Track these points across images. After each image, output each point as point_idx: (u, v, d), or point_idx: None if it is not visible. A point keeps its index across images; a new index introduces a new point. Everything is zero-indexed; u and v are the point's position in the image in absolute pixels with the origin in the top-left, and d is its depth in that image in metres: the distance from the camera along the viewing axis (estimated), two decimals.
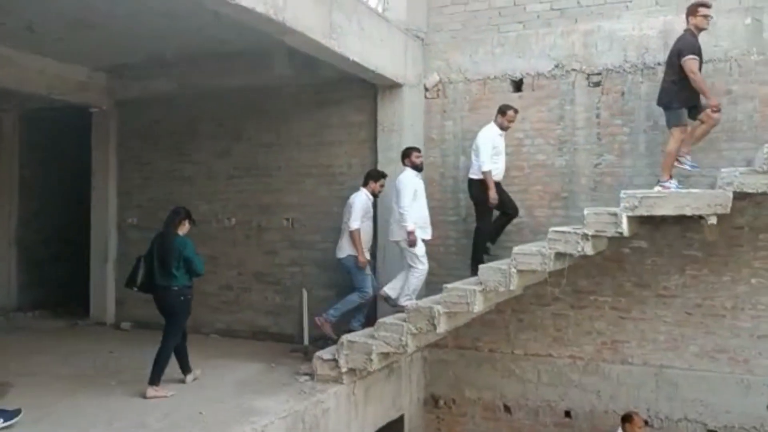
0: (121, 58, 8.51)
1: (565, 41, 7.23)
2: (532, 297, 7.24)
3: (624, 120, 7.00)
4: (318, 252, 7.99)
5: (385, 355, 6.11)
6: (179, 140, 8.93)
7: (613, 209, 5.71)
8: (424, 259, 6.84)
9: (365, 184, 7.14)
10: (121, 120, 9.45)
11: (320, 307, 7.97)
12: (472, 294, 5.85)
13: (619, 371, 6.95)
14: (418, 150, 7.07)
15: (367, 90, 7.74)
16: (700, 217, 5.96)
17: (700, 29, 6.01)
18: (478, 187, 6.89)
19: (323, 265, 7.99)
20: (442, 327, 5.91)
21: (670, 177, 6.06)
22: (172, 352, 5.86)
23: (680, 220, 6.34)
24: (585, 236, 5.70)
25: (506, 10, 7.52)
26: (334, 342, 6.30)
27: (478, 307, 5.88)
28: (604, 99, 7.08)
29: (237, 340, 8.23)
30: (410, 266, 6.80)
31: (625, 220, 5.63)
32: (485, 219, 6.97)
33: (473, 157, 6.95)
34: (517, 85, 7.49)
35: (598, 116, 7.10)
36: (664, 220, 6.47)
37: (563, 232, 5.79)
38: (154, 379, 5.67)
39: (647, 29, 6.87)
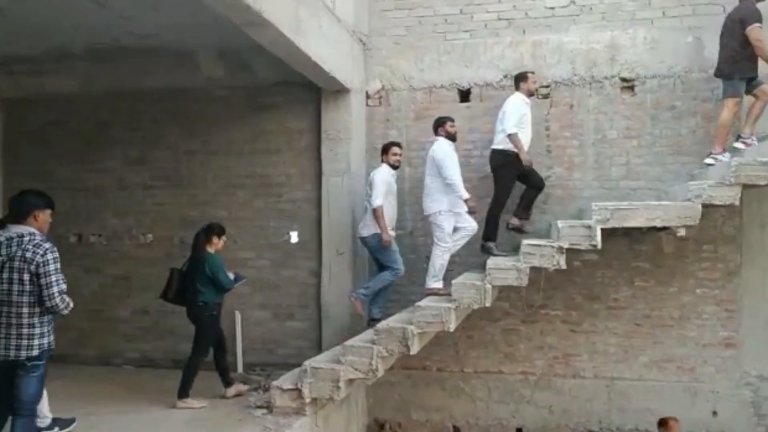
0: (11, 50, 7.36)
1: (514, 52, 7.14)
2: (482, 313, 6.94)
3: (573, 133, 7.02)
4: (252, 270, 7.29)
5: (350, 381, 5.62)
6: (84, 146, 7.84)
7: (587, 222, 5.63)
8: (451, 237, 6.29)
9: (381, 159, 6.54)
10: (6, 121, 8.20)
11: (256, 331, 7.36)
12: (447, 312, 5.53)
13: (571, 385, 6.92)
14: (452, 119, 6.51)
15: (309, 95, 7.23)
16: (660, 228, 6.11)
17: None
18: (500, 157, 6.49)
19: (259, 284, 7.33)
20: (416, 348, 5.53)
21: (724, 150, 6.02)
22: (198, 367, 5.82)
23: (629, 232, 6.39)
24: (560, 249, 5.57)
25: (453, 18, 7.33)
26: (376, 321, 6.05)
27: (453, 325, 5.56)
28: (553, 111, 7.06)
29: (157, 370, 7.32)
30: (436, 243, 6.25)
31: (598, 233, 5.57)
32: (504, 193, 6.53)
33: (498, 127, 6.54)
34: (465, 95, 7.30)
35: (547, 129, 7.07)
36: (613, 232, 6.49)
37: (538, 245, 5.62)
38: (182, 392, 5.72)
39: (594, 43, 6.94)
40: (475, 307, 5.63)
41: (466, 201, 6.12)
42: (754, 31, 5.76)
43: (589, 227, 5.58)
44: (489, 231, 6.50)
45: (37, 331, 4.08)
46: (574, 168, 7.01)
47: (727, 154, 5.97)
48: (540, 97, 7.08)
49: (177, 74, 7.46)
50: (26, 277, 4.03)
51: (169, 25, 6.39)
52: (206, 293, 5.77)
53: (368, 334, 6.08)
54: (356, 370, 5.49)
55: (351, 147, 7.04)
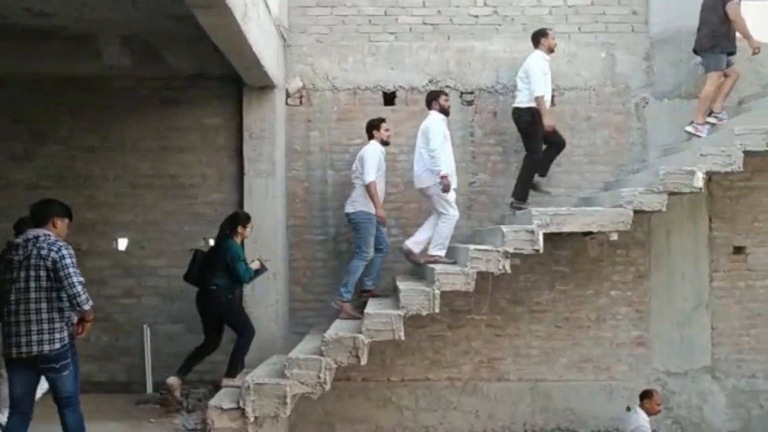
0: None
1: (440, 57, 7.13)
2: (409, 319, 6.88)
3: (497, 140, 7.13)
4: (162, 279, 6.67)
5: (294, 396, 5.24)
6: None
7: (530, 227, 5.68)
8: (455, 206, 6.20)
9: (371, 136, 6.36)
10: None
11: (167, 346, 6.68)
12: (397, 319, 5.34)
13: (496, 389, 6.97)
14: (446, 93, 6.46)
15: (227, 90, 6.75)
16: (585, 234, 6.35)
17: None
18: (528, 115, 6.41)
19: (169, 294, 6.71)
20: (365, 358, 5.27)
21: (706, 122, 6.36)
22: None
23: (549, 237, 6.57)
24: (506, 254, 5.58)
25: (377, 19, 7.18)
26: (369, 292, 6.30)
27: (403, 333, 5.38)
28: (477, 118, 7.13)
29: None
30: (441, 213, 6.15)
31: (541, 237, 5.65)
32: (536, 149, 6.49)
33: (520, 85, 6.48)
34: (390, 98, 7.17)
35: (472, 134, 7.13)
36: None
37: (485, 250, 5.60)
38: (230, 371, 5.83)
39: (517, 53, 7.08)
40: (424, 313, 5.48)
41: (441, 178, 5.95)
42: (733, 8, 6.18)
43: (532, 232, 5.65)
44: (523, 190, 6.51)
45: (57, 325, 4.21)
46: (497, 174, 7.11)
47: (708, 127, 6.39)
48: (465, 103, 7.13)
49: (72, 60, 6.63)
50: (43, 273, 4.16)
51: (68, 2, 5.66)
52: (221, 280, 5.80)
53: (309, 344, 5.74)
54: (303, 384, 5.13)
55: (275, 147, 6.63)
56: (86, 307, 4.21)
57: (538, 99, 6.37)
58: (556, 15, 7.18)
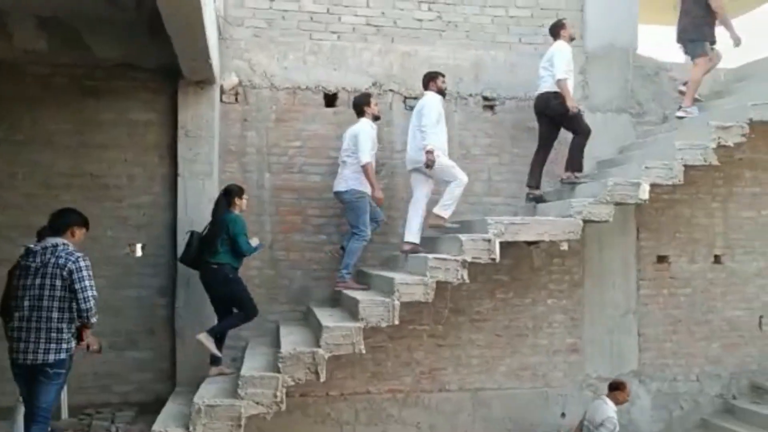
0: None
1: (383, 60, 6.94)
2: None
3: None
4: None
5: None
6: None
7: (486, 236, 5.61)
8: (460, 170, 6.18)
9: (362, 113, 6.24)
10: None
11: (86, 364, 5.99)
12: (357, 332, 5.08)
13: (437, 400, 6.85)
14: (443, 75, 6.42)
15: (159, 82, 6.19)
16: (530, 243, 6.39)
17: None
18: (556, 98, 6.47)
19: None
20: (324, 374, 4.96)
21: (693, 104, 6.76)
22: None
23: None
24: (464, 263, 5.48)
25: (319, 17, 6.87)
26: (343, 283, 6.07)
27: (363, 346, 5.12)
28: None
29: None
30: (449, 181, 6.10)
31: (497, 246, 5.60)
32: (580, 124, 6.56)
33: (544, 73, 6.55)
34: (331, 99, 6.88)
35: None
36: None
37: (444, 259, 5.46)
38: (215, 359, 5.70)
39: (461, 60, 7.06)
40: (383, 325, 5.26)
41: (427, 153, 5.91)
42: (717, 1, 6.61)
43: (489, 241, 5.58)
44: (576, 162, 6.58)
45: (65, 336, 4.29)
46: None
47: (696, 109, 6.74)
48: (408, 108, 6.96)
49: None
50: (58, 282, 4.24)
51: None
52: (223, 255, 5.59)
53: (254, 361, 5.33)
54: (259, 404, 4.77)
55: (212, 147, 6.16)
56: (94, 320, 4.34)
57: (561, 82, 6.41)
58: (499, 24, 7.21)
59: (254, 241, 5.80)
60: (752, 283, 7.56)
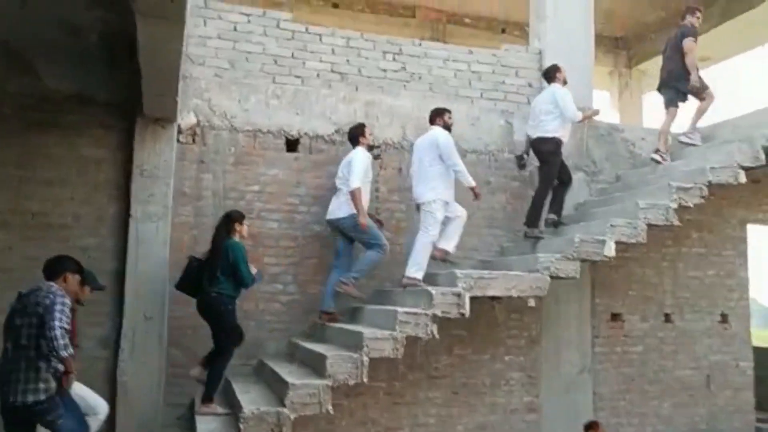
0: None
1: (347, 107, 6.82)
2: None
3: (401, 197, 6.90)
4: None
5: None
6: None
7: (456, 289, 5.47)
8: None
9: (357, 142, 6.30)
10: None
11: None
12: (325, 391, 4.76)
13: None
14: (449, 111, 6.56)
15: (114, 118, 5.81)
16: (492, 298, 6.28)
17: (695, 27, 7.22)
18: (552, 144, 6.66)
19: None
20: None
21: (667, 150, 7.12)
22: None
23: None
24: (434, 317, 5.29)
25: (283, 60, 6.72)
26: (329, 315, 6.12)
27: (331, 405, 4.80)
28: (383, 173, 6.88)
29: None
30: (423, 231, 6.15)
31: (467, 301, 5.45)
32: (552, 177, 6.73)
33: (543, 116, 6.70)
34: (293, 144, 6.67)
35: (377, 190, 6.83)
36: None
37: (414, 313, 5.25)
38: (206, 397, 5.26)
39: (425, 111, 6.96)
40: (351, 383, 4.97)
41: (472, 189, 6.19)
42: (687, 43, 7.01)
43: (458, 295, 5.43)
44: (534, 217, 6.68)
45: (42, 375, 4.19)
46: (401, 233, 6.86)
47: (668, 154, 7.13)
48: (373, 157, 6.85)
49: None
50: (35, 320, 4.18)
51: None
52: (224, 284, 5.36)
53: (209, 423, 4.89)
54: None
55: (170, 188, 5.81)
56: (63, 354, 4.07)
57: (580, 118, 6.76)
58: (461, 78, 7.26)
59: (253, 270, 5.54)
60: (700, 342, 7.70)
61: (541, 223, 6.76)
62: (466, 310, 5.43)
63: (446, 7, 11.58)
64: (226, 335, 5.40)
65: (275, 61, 6.70)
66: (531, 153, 7.06)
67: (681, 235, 7.69)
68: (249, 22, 6.64)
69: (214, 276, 5.35)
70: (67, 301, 4.25)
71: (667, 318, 7.63)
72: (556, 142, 6.69)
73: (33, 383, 4.14)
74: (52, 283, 4.34)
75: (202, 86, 6.42)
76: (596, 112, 7.09)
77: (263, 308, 6.40)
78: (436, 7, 11.59)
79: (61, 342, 4.05)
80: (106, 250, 5.73)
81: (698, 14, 7.42)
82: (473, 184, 6.23)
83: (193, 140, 6.36)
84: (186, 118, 6.30)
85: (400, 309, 5.28)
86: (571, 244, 5.88)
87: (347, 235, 6.26)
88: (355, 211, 6.02)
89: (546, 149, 6.72)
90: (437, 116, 6.48)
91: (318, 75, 6.81)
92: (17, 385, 4.13)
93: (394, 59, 7.06)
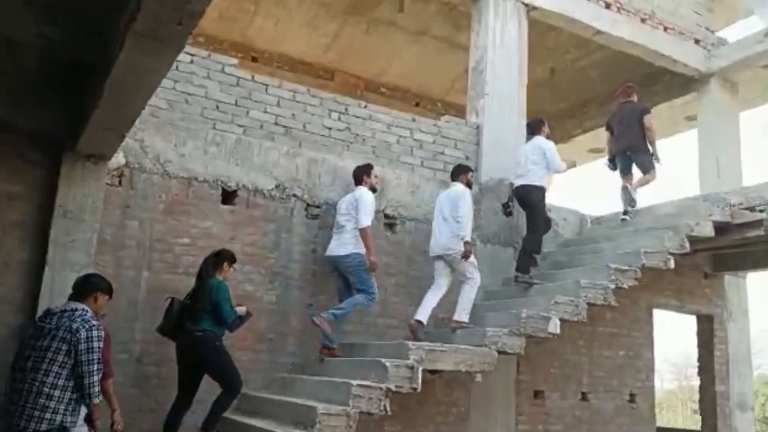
0: None
1: (290, 163, 6.49)
2: None
3: None
4: None
5: None
6: None
7: (409, 362, 5.18)
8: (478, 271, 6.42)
9: (361, 182, 6.33)
10: None
11: None
12: None
13: None
14: (473, 170, 7.00)
15: (35, 151, 5.07)
16: (432, 372, 6.04)
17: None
18: (539, 193, 6.91)
19: None
20: None
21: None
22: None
23: None
24: (388, 392, 4.96)
25: (226, 107, 6.32)
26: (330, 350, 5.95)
27: None
28: (321, 234, 6.55)
29: None
30: (467, 278, 6.31)
31: (419, 374, 5.18)
32: (540, 224, 6.98)
33: (530, 166, 6.92)
34: (230, 196, 6.20)
35: (314, 251, 6.48)
36: None
37: (368, 386, 4.89)
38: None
39: None
40: None
41: (465, 243, 6.17)
42: (648, 120, 7.69)
43: (412, 368, 5.15)
44: (526, 264, 6.81)
45: (53, 405, 3.92)
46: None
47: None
48: (310, 217, 6.53)
49: None
50: (64, 347, 3.97)
51: None
52: (206, 322, 5.21)
53: None
54: None
55: (95, 234, 5.12)
56: (95, 401, 4.01)
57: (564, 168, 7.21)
58: (404, 145, 7.20)
59: (241, 310, 5.39)
60: (612, 421, 7.87)
61: (533, 270, 6.94)
62: (419, 384, 5.15)
63: (365, 75, 11.71)
64: (225, 377, 5.23)
65: (217, 107, 6.29)
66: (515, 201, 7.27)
67: (597, 314, 7.90)
68: (192, 62, 6.22)
69: (198, 315, 5.22)
70: (102, 334, 4.08)
71: (584, 396, 7.76)
72: (543, 191, 6.96)
73: (39, 411, 3.88)
74: (85, 307, 4.16)
75: (136, 124, 5.80)
76: (574, 164, 7.49)
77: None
78: (355, 73, 11.70)
79: (96, 389, 3.98)
80: (10, 302, 4.86)
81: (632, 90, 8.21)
82: (468, 238, 6.29)
83: (120, 182, 5.75)
84: (114, 158, 5.67)
85: (354, 382, 4.91)
86: (518, 318, 5.83)
87: (344, 275, 6.16)
88: (357, 251, 6.03)
89: (535, 198, 6.94)
90: (461, 174, 6.71)
91: (261, 126, 6.47)
92: (25, 409, 3.89)
93: (339, 119, 6.87)
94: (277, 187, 6.40)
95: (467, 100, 8.09)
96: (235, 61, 6.51)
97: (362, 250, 6.06)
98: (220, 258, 5.49)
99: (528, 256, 6.90)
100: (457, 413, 6.89)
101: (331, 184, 6.66)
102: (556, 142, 7.66)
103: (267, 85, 6.57)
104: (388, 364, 5.05)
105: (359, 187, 6.31)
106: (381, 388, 4.92)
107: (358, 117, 6.97)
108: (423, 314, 6.24)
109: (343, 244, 6.12)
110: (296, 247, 6.38)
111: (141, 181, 5.84)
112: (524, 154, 7.08)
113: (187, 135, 6.07)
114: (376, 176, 6.46)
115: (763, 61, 9.36)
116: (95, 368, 3.97)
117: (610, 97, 10.39)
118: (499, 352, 5.71)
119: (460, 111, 9.37)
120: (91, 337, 3.98)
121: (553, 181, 7.27)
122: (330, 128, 6.81)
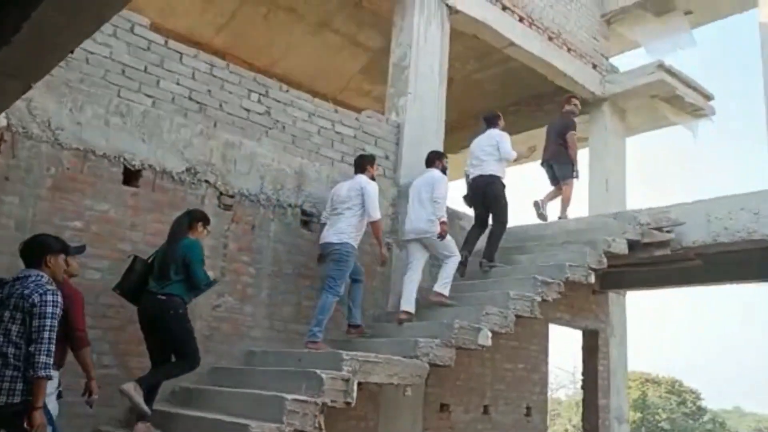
0: None
1: (203, 145, 5.73)
2: None
3: (251, 259, 5.92)
4: None
5: None
6: None
7: (345, 374, 4.66)
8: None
9: (363, 170, 6.16)
10: None
11: None
12: None
13: None
14: (447, 156, 6.87)
15: None
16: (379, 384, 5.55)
17: (575, 113, 8.39)
18: (500, 183, 6.89)
19: None
20: None
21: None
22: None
23: None
24: (323, 407, 4.41)
25: (133, 73, 5.44)
26: (356, 327, 6.01)
27: None
28: (233, 228, 5.84)
29: None
30: (446, 256, 6.33)
31: (355, 387, 4.68)
32: (506, 214, 6.92)
33: (485, 156, 6.94)
34: (133, 177, 5.34)
35: (225, 246, 5.77)
36: None
37: (304, 401, 4.31)
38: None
39: (285, 165, 6.24)
40: None
41: (442, 224, 6.13)
42: (571, 138, 8.01)
43: (347, 381, 4.64)
44: (492, 253, 6.84)
45: (21, 375, 3.59)
46: (246, 300, 5.83)
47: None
48: (222, 207, 5.81)
49: None
50: (18, 315, 3.65)
51: None
52: (175, 285, 4.78)
53: None
54: None
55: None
56: (40, 374, 3.52)
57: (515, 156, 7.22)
58: (324, 137, 6.66)
59: (210, 275, 4.99)
60: None
61: (497, 256, 6.95)
62: (353, 398, 4.65)
63: (258, 63, 10.93)
64: (184, 350, 4.79)
65: (123, 72, 5.39)
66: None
67: None
68: None
69: (165, 276, 4.79)
70: (59, 299, 3.70)
71: (485, 410, 7.62)
72: (502, 183, 6.95)
73: (9, 382, 3.57)
74: (39, 272, 3.78)
75: None
76: (534, 148, 7.80)
77: (64, 385, 4.77)
78: (247, 60, 10.89)
79: (43, 359, 3.54)
80: None
81: (574, 101, 8.46)
82: (445, 219, 6.24)
83: None
84: None
85: (288, 396, 4.30)
86: (449, 329, 5.51)
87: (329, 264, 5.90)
88: (349, 241, 5.80)
89: (495, 190, 6.90)
90: (436, 159, 6.63)
91: (173, 100, 5.64)
92: (1, 384, 3.56)
93: (259, 101, 6.19)
94: (187, 170, 5.61)
95: (387, 98, 7.70)
96: (146, 21, 5.62)
97: (355, 243, 5.87)
98: (193, 217, 5.07)
99: (493, 246, 6.92)
100: (365, 427, 6.44)
101: (247, 173, 5.97)
102: (446, 152, 7.53)
103: (182, 54, 5.77)
104: (324, 376, 4.50)
105: (360, 175, 6.13)
106: (317, 404, 4.36)
107: (279, 101, 6.33)
108: (409, 304, 6.15)
109: (338, 233, 5.84)
110: (206, 241, 5.57)
111: (25, 148, 4.84)
112: (479, 146, 7.12)
113: (86, 100, 5.14)
114: (377, 168, 6.43)
115: (652, 91, 9.88)
116: (45, 336, 3.59)
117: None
118: (431, 365, 5.35)
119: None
120: (45, 301, 3.64)
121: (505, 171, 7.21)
122: (249, 110, 6.11)
